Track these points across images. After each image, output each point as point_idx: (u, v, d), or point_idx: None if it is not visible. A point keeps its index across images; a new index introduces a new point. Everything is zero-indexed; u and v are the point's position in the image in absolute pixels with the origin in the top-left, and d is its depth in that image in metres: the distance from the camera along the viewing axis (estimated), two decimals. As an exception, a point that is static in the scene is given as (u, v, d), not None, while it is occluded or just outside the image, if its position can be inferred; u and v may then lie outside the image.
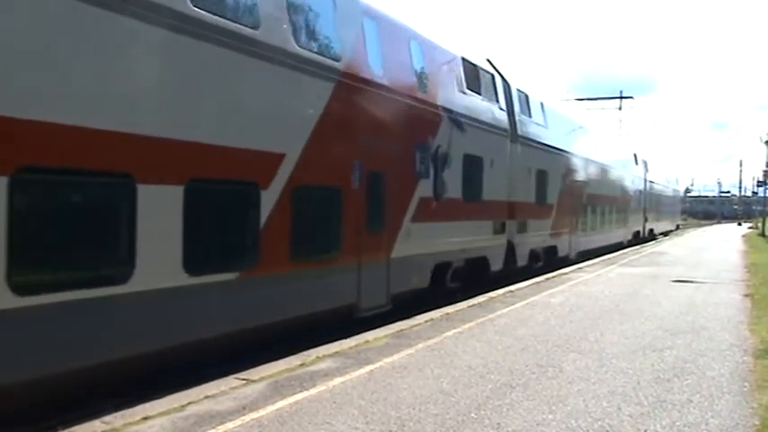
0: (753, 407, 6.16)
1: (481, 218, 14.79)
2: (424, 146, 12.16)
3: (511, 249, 16.64)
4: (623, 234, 32.11)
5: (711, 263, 22.77)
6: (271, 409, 5.85)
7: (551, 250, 20.23)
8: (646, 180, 39.47)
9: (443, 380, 6.89)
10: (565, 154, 21.68)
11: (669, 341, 9.10)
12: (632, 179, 34.96)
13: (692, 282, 16.36)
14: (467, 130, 13.78)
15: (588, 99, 49.56)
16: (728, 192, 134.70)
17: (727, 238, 44.48)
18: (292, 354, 7.82)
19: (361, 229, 10.21)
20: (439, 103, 12.72)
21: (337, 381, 6.79)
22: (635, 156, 36.75)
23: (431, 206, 12.32)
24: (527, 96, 18.30)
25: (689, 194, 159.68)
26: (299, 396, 6.24)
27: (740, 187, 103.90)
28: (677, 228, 59.63)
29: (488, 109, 15.24)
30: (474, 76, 14.61)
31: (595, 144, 26.43)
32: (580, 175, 23.65)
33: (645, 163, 39.70)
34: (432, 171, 12.36)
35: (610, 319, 10.73)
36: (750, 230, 62.12)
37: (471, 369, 7.36)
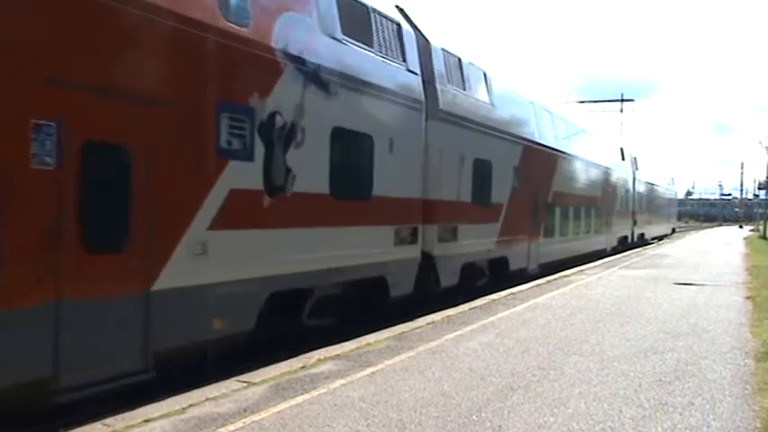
0: (754, 410, 6.15)
1: (371, 221, 10.51)
2: (238, 108, 7.82)
3: (429, 264, 12.26)
4: (605, 240, 27.62)
5: (713, 265, 22.75)
6: (272, 411, 5.84)
7: (499, 263, 15.84)
8: (635, 178, 34.59)
9: (444, 382, 6.88)
10: (521, 142, 17.13)
11: (670, 344, 9.09)
12: (618, 177, 30.16)
13: (693, 284, 16.35)
14: (339, 94, 9.52)
15: (589, 102, 49.68)
16: (730, 194, 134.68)
17: (729, 241, 44.46)
18: (293, 356, 7.81)
19: (63, 242, 5.84)
20: (276, 46, 8.38)
21: (338, 383, 6.78)
22: (621, 150, 31.97)
23: (258, 204, 8.10)
24: (459, 61, 13.79)
25: (690, 197, 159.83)
26: (299, 398, 6.23)
27: (741, 190, 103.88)
28: (673, 232, 55.14)
29: (385, 69, 10.83)
30: (360, 20, 10.44)
31: (567, 133, 21.93)
32: (544, 170, 19.26)
33: (634, 159, 34.94)
34: (261, 150, 8.05)
35: (611, 322, 10.72)
36: (751, 233, 62.12)
37: (472, 371, 7.35)
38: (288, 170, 8.56)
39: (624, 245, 31.49)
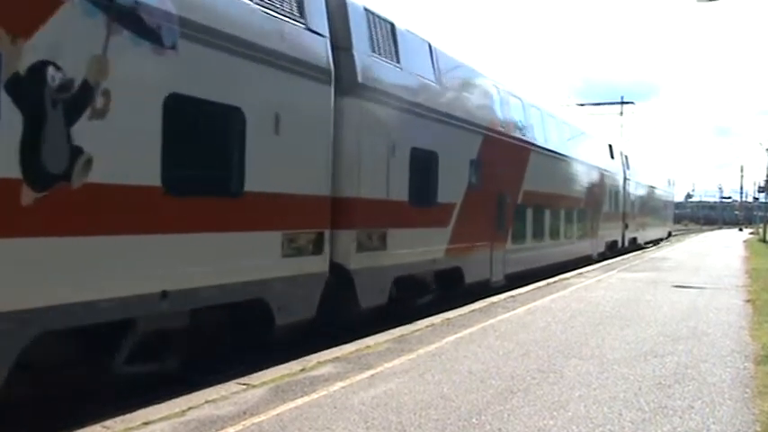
0: (754, 413, 6.15)
1: (241, 226, 7.85)
2: None
3: (343, 281, 9.84)
4: (591, 245, 24.92)
5: (712, 268, 22.75)
6: (271, 414, 5.84)
7: (452, 275, 13.30)
8: (626, 178, 31.77)
9: (444, 385, 6.88)
10: (479, 131, 14.42)
11: (670, 347, 9.09)
12: (606, 176, 27.34)
13: (693, 287, 16.35)
14: (181, 48, 6.90)
15: (589, 104, 49.76)
16: (730, 197, 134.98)
17: (728, 244, 44.47)
18: (293, 359, 7.81)
19: None
20: None
21: (338, 386, 6.78)
22: (610, 148, 28.87)
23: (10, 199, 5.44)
24: (391, 28, 11.21)
25: (690, 199, 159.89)
26: (299, 401, 6.23)
27: (741, 193, 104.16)
28: (669, 235, 51.61)
29: (267, 24, 8.22)
30: None
31: (543, 125, 19.24)
32: (512, 165, 16.70)
33: (625, 158, 32.08)
34: (14, 116, 5.42)
35: (611, 325, 10.71)
36: (751, 236, 62.13)
37: (472, 374, 7.35)
38: (75, 150, 5.85)
39: (614, 250, 28.93)
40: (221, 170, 7.74)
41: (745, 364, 8.10)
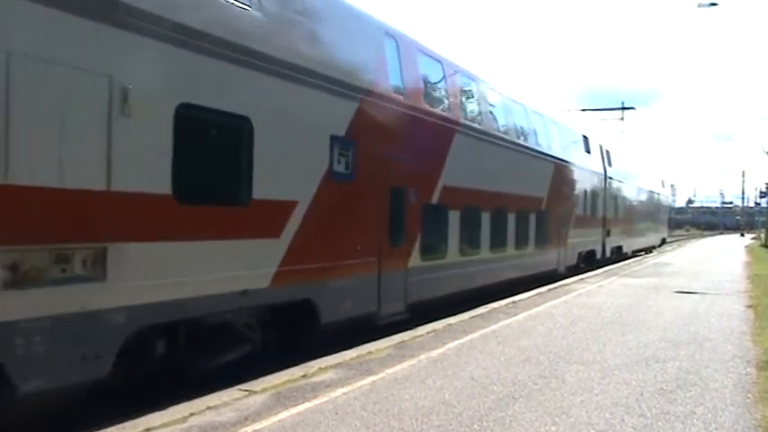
0: (756, 419, 6.14)
1: None
2: None
3: None
4: (556, 258, 20.44)
5: (714, 273, 22.72)
6: (273, 420, 5.84)
7: (293, 313, 8.92)
8: (607, 177, 26.93)
9: (446, 391, 6.88)
10: (350, 92, 9.86)
11: (672, 352, 9.08)
12: (578, 173, 22.69)
13: (694, 293, 16.33)
14: None
15: (590, 110, 49.87)
16: (731, 202, 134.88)
17: (730, 249, 44.43)
18: (295, 364, 7.82)
19: None
20: None
21: (339, 392, 6.78)
22: (586, 140, 24.07)
23: None
24: None
25: (691, 205, 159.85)
26: (301, 407, 6.23)
27: (743, 198, 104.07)
28: (663, 242, 46.67)
29: None
30: None
31: (479, 102, 14.79)
32: (420, 149, 11.96)
33: (606, 153, 27.04)
34: None
35: (612, 330, 10.70)
36: (752, 241, 62.07)
37: (474, 380, 7.34)
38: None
39: (591, 262, 24.41)
40: None
41: (747, 370, 8.09)
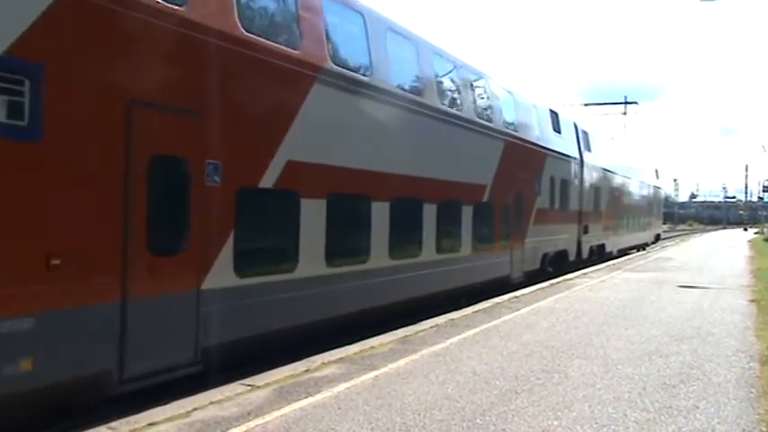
0: (759, 413, 6.14)
1: None
2: None
3: None
4: (504, 263, 16.03)
5: (717, 268, 22.69)
6: (276, 415, 5.85)
7: None
8: (584, 164, 22.79)
9: (448, 386, 6.88)
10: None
11: (675, 347, 9.07)
12: (543, 157, 18.64)
13: (697, 287, 16.31)
14: None
15: (592, 104, 49.75)
16: (734, 197, 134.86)
17: (733, 244, 44.35)
18: (297, 360, 7.82)
19: None
20: None
21: (342, 387, 6.79)
22: (554, 116, 20.13)
23: None
24: None
25: (694, 200, 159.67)
26: (303, 402, 6.24)
27: (746, 192, 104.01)
28: (657, 239, 42.79)
29: None
30: None
31: (359, 37, 10.35)
32: (206, 93, 7.45)
33: (582, 135, 23.03)
34: None
35: (615, 325, 10.70)
36: (756, 236, 61.94)
37: (476, 375, 7.35)
38: None
39: (562, 264, 20.31)
40: None
41: (750, 364, 8.09)
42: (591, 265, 22.30)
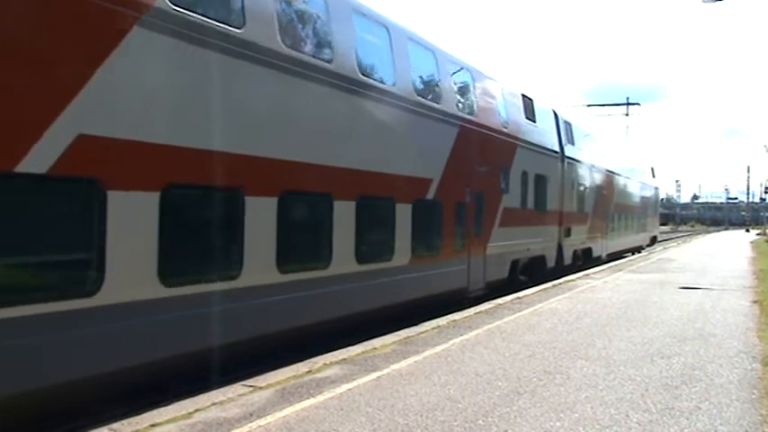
0: (762, 414, 6.13)
1: None
2: None
3: None
4: (459, 273, 13.51)
5: (719, 269, 22.65)
6: (278, 416, 5.85)
7: None
8: (565, 158, 20.53)
9: (451, 387, 6.88)
10: None
11: (677, 348, 9.06)
12: (512, 147, 16.16)
13: (699, 288, 16.28)
14: None
15: (595, 105, 49.83)
16: (736, 198, 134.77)
17: (735, 245, 44.28)
18: (299, 361, 7.83)
19: None
20: None
21: (344, 387, 6.79)
22: (527, 102, 17.57)
23: None
24: None
25: (696, 201, 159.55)
26: (306, 403, 6.24)
27: (748, 193, 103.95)
28: (653, 242, 40.30)
29: None
30: None
31: None
32: None
33: (565, 127, 20.79)
34: None
35: (617, 326, 10.69)
36: (758, 237, 61.86)
37: (479, 376, 7.34)
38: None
39: (538, 275, 17.78)
40: None
41: (753, 365, 8.07)
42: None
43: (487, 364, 7.88)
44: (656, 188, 43.31)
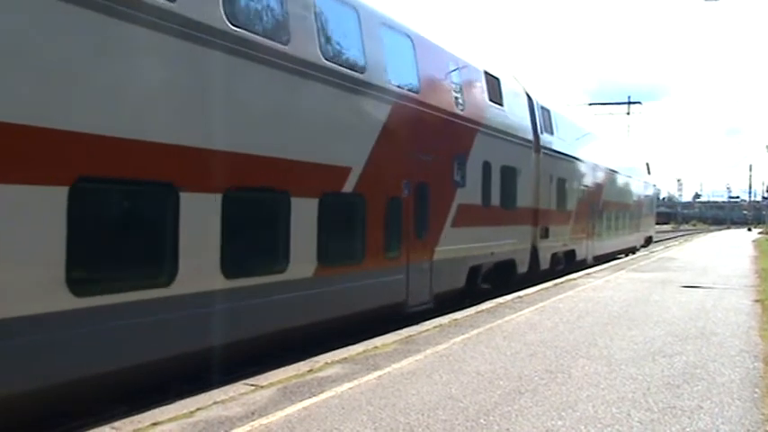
0: (763, 413, 6.12)
1: None
2: None
3: None
4: (395, 284, 11.00)
5: (721, 268, 22.62)
6: (279, 414, 5.85)
7: None
8: (542, 148, 18.30)
9: (452, 386, 6.88)
10: None
11: (679, 347, 9.06)
12: (470, 133, 13.77)
13: (701, 287, 16.27)
14: None
15: (597, 104, 49.81)
16: (738, 197, 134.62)
17: (737, 244, 44.23)
18: (301, 360, 7.83)
19: None
20: None
21: (346, 386, 6.79)
22: (491, 81, 15.12)
23: None
24: None
25: (698, 200, 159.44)
26: (307, 402, 6.24)
27: (750, 192, 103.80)
28: (649, 242, 37.54)
29: None
30: None
31: None
32: None
33: (543, 113, 18.60)
34: None
35: (619, 325, 10.68)
36: (760, 236, 61.77)
37: (480, 375, 7.34)
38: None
39: (507, 279, 15.86)
40: None
41: (755, 364, 8.06)
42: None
43: (489, 363, 7.88)
44: (653, 185, 40.63)
